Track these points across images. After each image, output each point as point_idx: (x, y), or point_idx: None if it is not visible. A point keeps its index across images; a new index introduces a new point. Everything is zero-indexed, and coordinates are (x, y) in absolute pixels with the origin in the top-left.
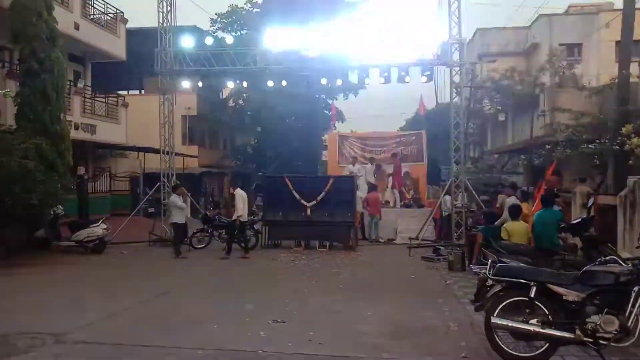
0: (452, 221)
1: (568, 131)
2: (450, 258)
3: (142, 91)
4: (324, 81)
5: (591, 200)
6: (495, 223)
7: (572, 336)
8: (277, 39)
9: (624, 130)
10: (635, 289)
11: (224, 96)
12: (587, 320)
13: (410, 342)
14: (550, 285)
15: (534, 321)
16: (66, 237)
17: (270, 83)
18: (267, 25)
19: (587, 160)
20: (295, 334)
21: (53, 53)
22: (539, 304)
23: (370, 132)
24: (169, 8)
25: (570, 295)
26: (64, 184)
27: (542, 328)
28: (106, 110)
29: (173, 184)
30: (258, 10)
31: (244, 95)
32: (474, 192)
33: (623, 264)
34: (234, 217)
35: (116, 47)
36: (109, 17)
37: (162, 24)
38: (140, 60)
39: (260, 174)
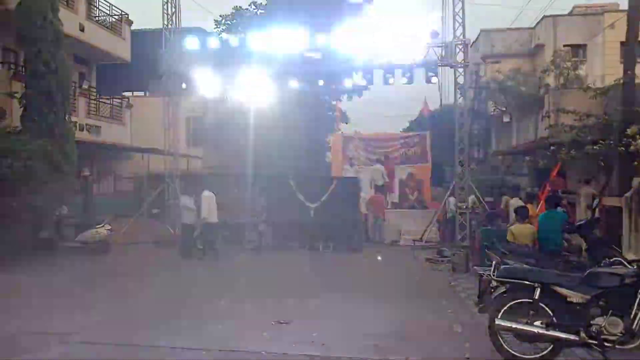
0: (457, 222)
1: (573, 132)
2: (454, 259)
3: (147, 93)
4: (326, 83)
5: (596, 202)
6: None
7: (576, 338)
8: (281, 41)
9: (629, 131)
10: None
11: (228, 97)
12: (592, 322)
13: (414, 343)
14: (555, 287)
15: (538, 323)
16: (71, 238)
17: (274, 85)
18: (271, 27)
19: (592, 162)
20: (298, 334)
21: (58, 55)
22: (543, 306)
23: (374, 133)
24: (173, 10)
25: (575, 297)
26: (69, 185)
27: (547, 330)
28: (111, 112)
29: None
30: (262, 12)
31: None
32: (478, 194)
33: (628, 265)
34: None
35: (121, 48)
36: (113, 19)
37: (167, 25)
38: (145, 62)
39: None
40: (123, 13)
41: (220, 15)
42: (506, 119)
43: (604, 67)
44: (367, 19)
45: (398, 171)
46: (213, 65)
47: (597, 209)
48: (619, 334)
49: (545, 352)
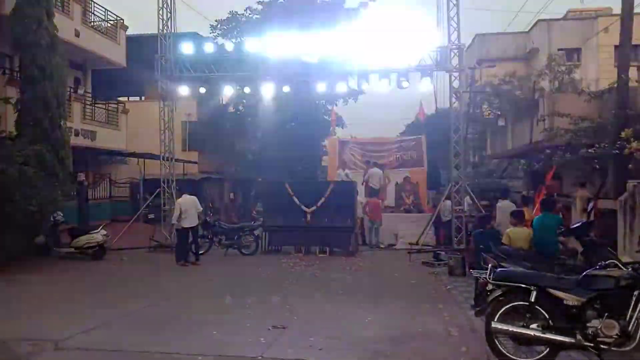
0: (453, 226)
1: (568, 136)
2: (450, 263)
3: (143, 97)
4: (323, 87)
5: (591, 205)
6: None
7: (572, 341)
8: (277, 45)
9: (623, 134)
10: (636, 293)
11: (224, 102)
12: (588, 324)
13: (410, 347)
14: (551, 290)
15: (534, 326)
16: (66, 243)
17: (270, 89)
18: (267, 31)
19: (586, 165)
20: (295, 339)
21: (53, 60)
22: (540, 309)
23: (370, 137)
24: (169, 15)
25: (571, 299)
26: (64, 191)
27: (543, 333)
28: (106, 117)
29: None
30: (258, 16)
31: (244, 101)
32: (473, 197)
33: (623, 268)
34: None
35: (116, 53)
36: (109, 24)
37: (162, 30)
38: (141, 67)
39: (260, 179)
40: (118, 18)
41: (215, 20)
42: (501, 123)
43: (598, 71)
44: (363, 24)
45: (394, 175)
46: (209, 70)
47: (592, 212)
48: (615, 337)
49: (541, 355)
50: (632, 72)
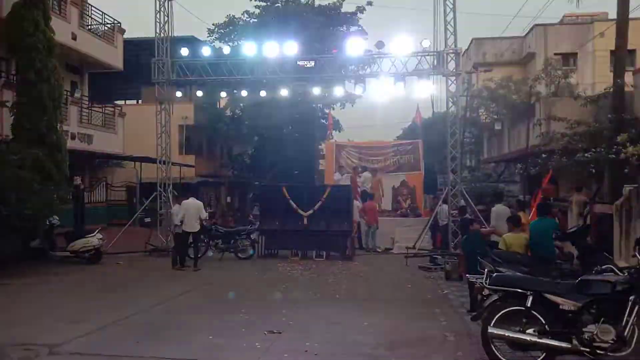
0: (449, 230)
1: (564, 140)
2: (447, 267)
3: (140, 101)
4: (320, 91)
5: (587, 209)
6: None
7: (569, 346)
8: (274, 49)
9: (619, 138)
10: (632, 298)
11: (221, 106)
12: (584, 329)
13: (407, 352)
14: (547, 295)
15: (530, 331)
16: (62, 247)
17: (266, 93)
18: (264, 35)
19: (583, 169)
20: (291, 344)
21: (50, 63)
22: (536, 314)
23: (367, 141)
24: (166, 18)
25: (567, 304)
26: (60, 194)
27: (539, 338)
28: (103, 120)
29: (174, 195)
30: (255, 20)
31: (241, 104)
32: (470, 201)
33: (619, 272)
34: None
35: (113, 57)
36: (106, 28)
37: (160, 34)
38: (138, 70)
39: (257, 183)
40: (115, 22)
41: (213, 24)
42: (498, 127)
43: (594, 75)
44: (360, 28)
45: (391, 179)
46: (205, 74)
47: (588, 217)
48: (610, 341)
49: None
50: (628, 77)
